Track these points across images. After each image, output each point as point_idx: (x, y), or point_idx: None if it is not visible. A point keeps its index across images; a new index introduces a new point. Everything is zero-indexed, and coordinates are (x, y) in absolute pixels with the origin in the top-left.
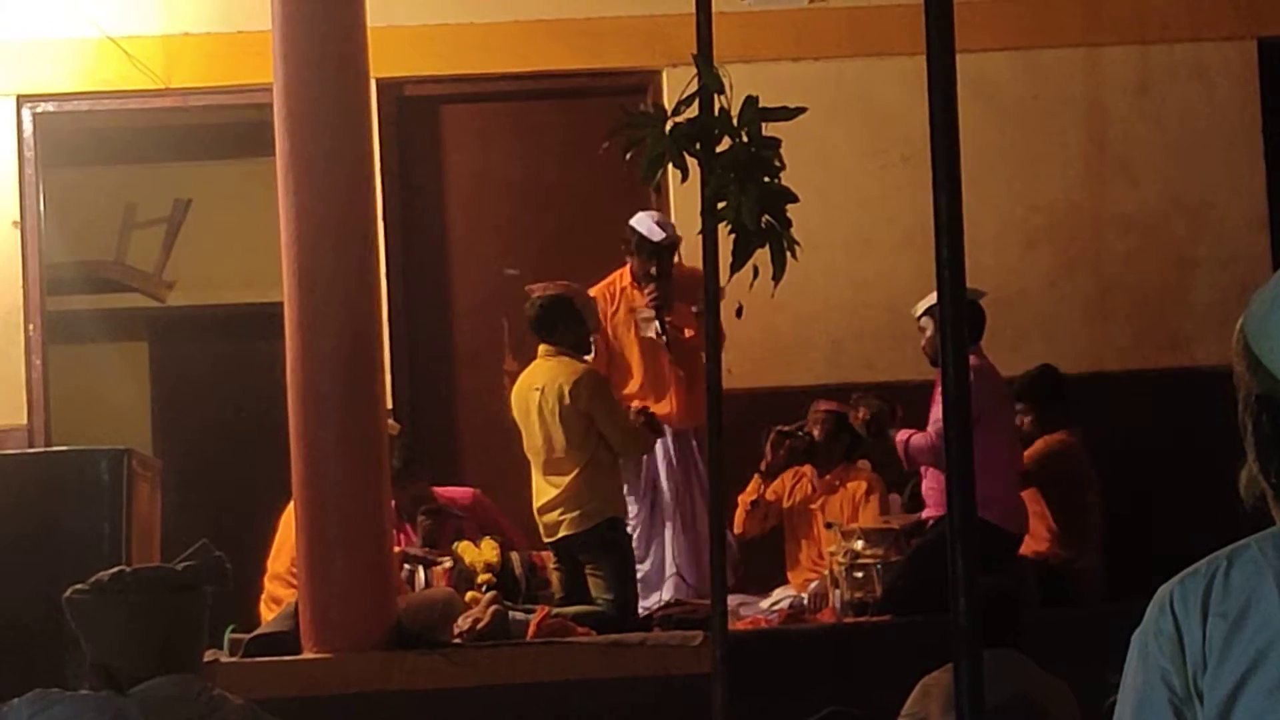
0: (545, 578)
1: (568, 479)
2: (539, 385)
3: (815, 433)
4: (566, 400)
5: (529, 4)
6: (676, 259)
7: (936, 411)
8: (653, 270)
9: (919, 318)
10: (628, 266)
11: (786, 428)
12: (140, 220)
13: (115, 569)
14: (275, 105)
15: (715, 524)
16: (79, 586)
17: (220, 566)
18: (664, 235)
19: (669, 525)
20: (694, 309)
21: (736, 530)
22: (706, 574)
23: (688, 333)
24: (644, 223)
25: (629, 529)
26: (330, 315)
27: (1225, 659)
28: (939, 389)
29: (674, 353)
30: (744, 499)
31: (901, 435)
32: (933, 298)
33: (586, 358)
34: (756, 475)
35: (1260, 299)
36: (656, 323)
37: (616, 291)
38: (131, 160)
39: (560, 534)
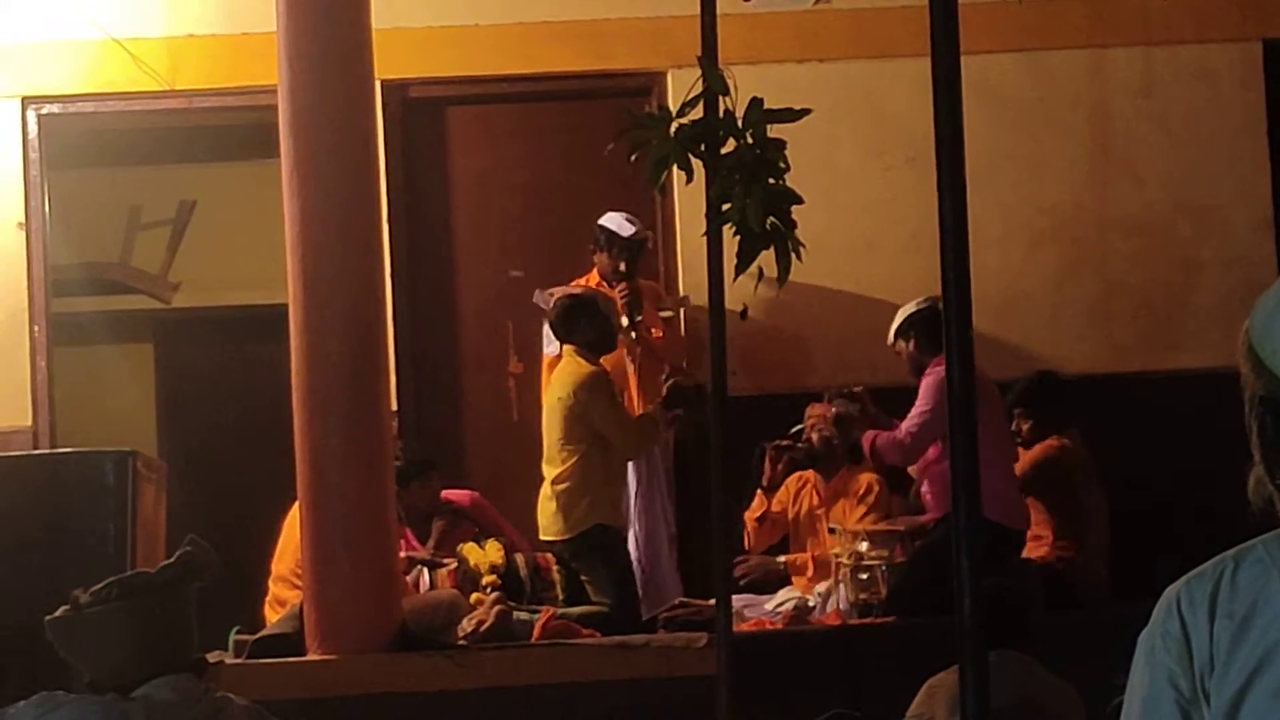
0: (550, 579)
1: (559, 481)
2: (553, 385)
3: (814, 438)
4: (569, 401)
5: (534, 6)
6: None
7: (917, 406)
8: (622, 267)
9: (893, 344)
10: (594, 270)
11: (783, 441)
12: (145, 222)
13: (94, 587)
14: (280, 107)
15: (718, 524)
16: (56, 615)
17: (194, 562)
18: (634, 230)
19: (632, 530)
20: (660, 312)
21: (749, 549)
22: (665, 574)
23: (655, 333)
24: (613, 219)
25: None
26: (335, 317)
27: (1232, 660)
28: (920, 391)
29: (642, 350)
30: (750, 516)
31: (868, 435)
32: (897, 321)
33: (604, 358)
34: (759, 491)
35: (1265, 302)
36: (625, 318)
37: None
38: (136, 162)
39: (548, 536)
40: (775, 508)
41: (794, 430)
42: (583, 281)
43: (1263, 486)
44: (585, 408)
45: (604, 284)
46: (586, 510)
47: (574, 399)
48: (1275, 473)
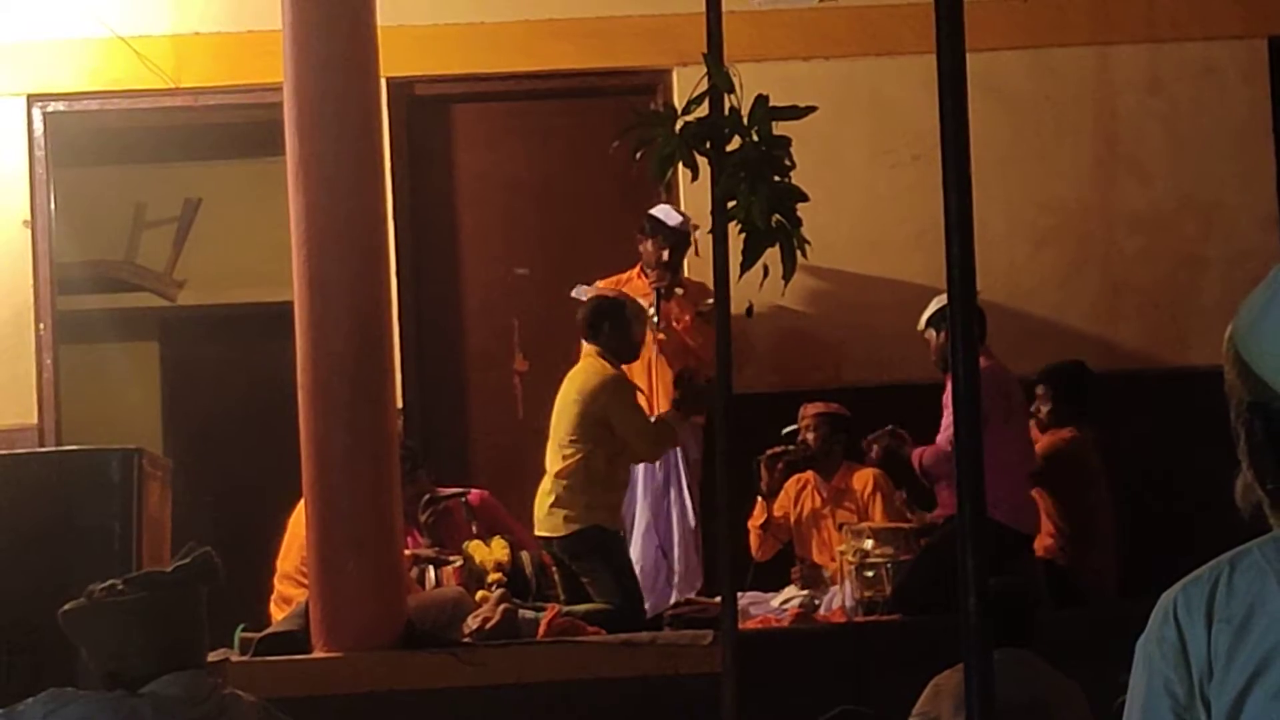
0: (555, 577)
1: (560, 477)
2: (571, 381)
3: (810, 439)
4: (586, 401)
5: (539, 3)
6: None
7: (947, 418)
8: (665, 256)
9: (923, 330)
10: (637, 266)
11: (776, 449)
12: (150, 219)
13: (108, 582)
14: (285, 105)
15: (723, 523)
16: (70, 605)
17: (209, 564)
18: (680, 220)
19: (639, 518)
20: (699, 310)
21: (756, 557)
22: (684, 567)
23: (679, 325)
24: (662, 209)
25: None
26: (340, 315)
27: (1231, 664)
28: (949, 393)
29: (665, 341)
30: (753, 525)
31: (916, 452)
32: (932, 308)
33: (624, 366)
34: (759, 498)
35: (1249, 307)
36: (653, 307)
37: (621, 283)
38: (142, 160)
39: (543, 531)
40: (777, 513)
41: (787, 431)
42: (623, 276)
43: (1251, 492)
44: (604, 410)
45: (644, 273)
46: (583, 511)
47: (592, 400)
48: (1265, 478)
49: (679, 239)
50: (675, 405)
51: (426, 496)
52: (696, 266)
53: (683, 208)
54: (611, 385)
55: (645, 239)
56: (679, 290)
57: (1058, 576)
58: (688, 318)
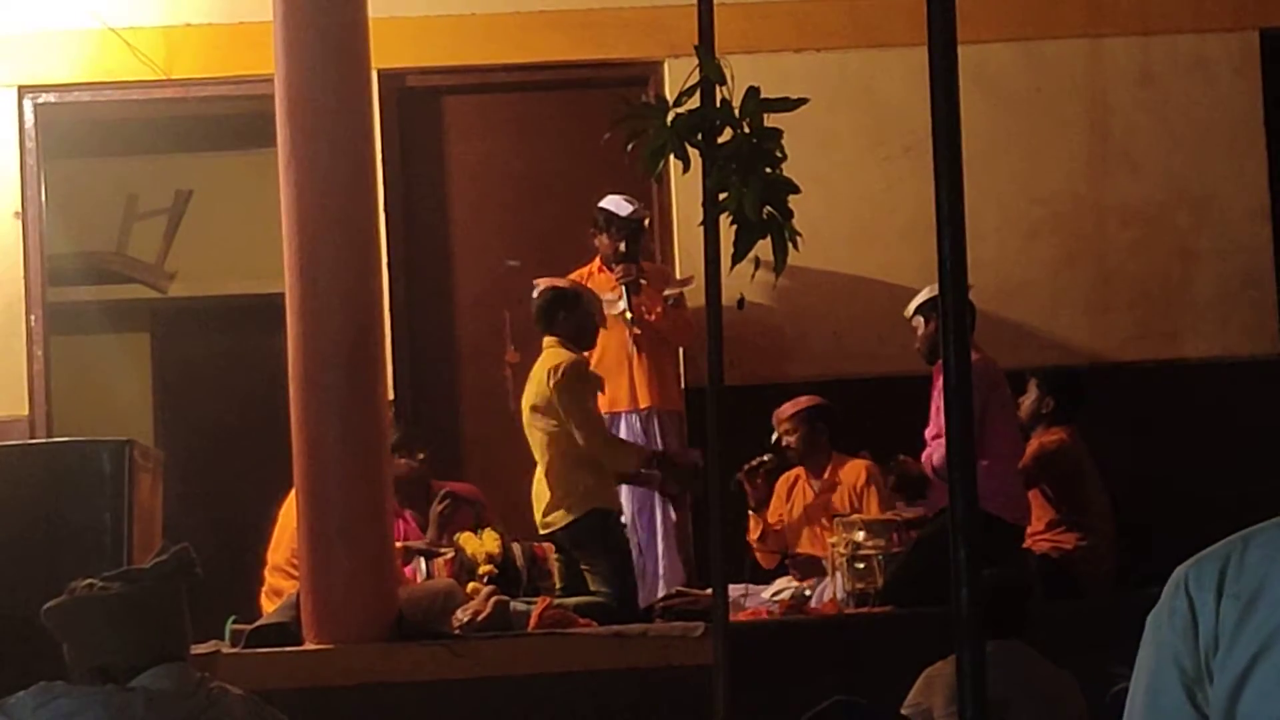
0: (547, 569)
1: (548, 469)
2: (533, 373)
3: (790, 441)
4: (545, 387)
5: None
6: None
7: (936, 412)
8: (622, 248)
9: (910, 317)
10: (595, 259)
11: (754, 462)
12: (142, 211)
13: (87, 580)
14: (277, 96)
15: (715, 514)
16: (52, 602)
17: (187, 560)
18: (632, 210)
19: (629, 515)
20: (665, 294)
21: (764, 565)
22: (663, 562)
23: (652, 316)
24: (611, 201)
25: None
26: (331, 306)
27: (1237, 640)
28: (936, 387)
29: (640, 334)
30: (752, 539)
31: (925, 456)
32: (922, 296)
33: (585, 352)
34: (751, 513)
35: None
36: (623, 301)
37: (584, 278)
38: (133, 151)
39: (549, 523)
40: (772, 519)
41: (774, 439)
42: (584, 271)
43: None
44: (561, 397)
45: (605, 267)
46: (581, 497)
47: (548, 383)
48: None
49: (633, 229)
50: (656, 473)
51: (445, 492)
52: (689, 259)
53: (674, 200)
54: (564, 368)
55: (599, 233)
56: (643, 282)
57: (1056, 571)
58: (659, 308)
